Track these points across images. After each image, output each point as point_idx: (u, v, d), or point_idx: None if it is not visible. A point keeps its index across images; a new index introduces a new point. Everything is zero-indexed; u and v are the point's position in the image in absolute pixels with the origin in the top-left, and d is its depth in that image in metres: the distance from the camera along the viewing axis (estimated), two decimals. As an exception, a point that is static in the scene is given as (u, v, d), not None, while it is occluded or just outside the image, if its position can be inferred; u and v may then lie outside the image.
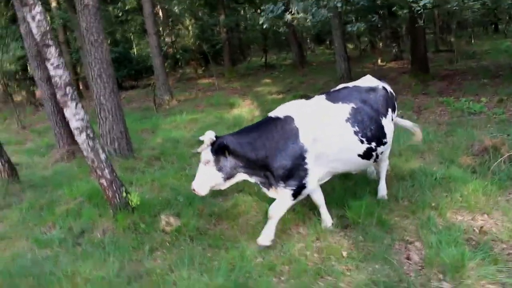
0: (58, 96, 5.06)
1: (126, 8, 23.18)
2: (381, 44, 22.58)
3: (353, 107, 4.64)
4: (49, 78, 8.64)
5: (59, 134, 9.37)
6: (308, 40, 29.58)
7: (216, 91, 15.97)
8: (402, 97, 11.71)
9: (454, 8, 9.84)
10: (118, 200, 5.35)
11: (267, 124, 4.52)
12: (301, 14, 11.05)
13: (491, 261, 3.80)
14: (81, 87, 20.69)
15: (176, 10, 25.61)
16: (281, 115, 4.49)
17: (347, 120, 4.55)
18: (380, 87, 5.06)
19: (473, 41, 23.22)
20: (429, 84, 12.93)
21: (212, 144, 4.29)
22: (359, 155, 4.64)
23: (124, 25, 23.74)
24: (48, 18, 19.21)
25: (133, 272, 4.30)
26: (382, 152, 4.90)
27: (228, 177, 4.41)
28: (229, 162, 4.33)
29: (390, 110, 5.01)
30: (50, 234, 5.44)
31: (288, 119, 4.42)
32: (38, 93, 19.72)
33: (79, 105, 5.10)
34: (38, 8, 4.77)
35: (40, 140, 11.92)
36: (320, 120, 4.48)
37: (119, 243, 4.84)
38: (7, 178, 7.72)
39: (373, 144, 4.68)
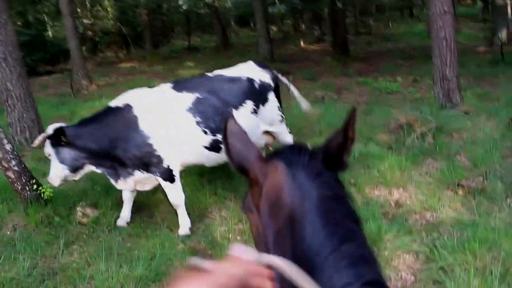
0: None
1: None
2: (304, 26, 22.86)
3: (197, 97, 4.45)
4: None
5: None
6: (232, 22, 29.38)
7: (138, 75, 15.45)
8: (324, 79, 11.98)
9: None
10: (29, 193, 4.99)
11: (107, 114, 4.44)
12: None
13: (406, 232, 3.98)
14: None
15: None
16: (120, 104, 4.42)
17: (188, 110, 4.39)
18: (244, 78, 4.78)
19: (390, 24, 24.19)
20: (349, 65, 13.33)
21: (51, 136, 4.24)
22: (205, 147, 4.47)
23: (36, 5, 22.25)
24: None
25: (46, 269, 4.04)
26: None
27: (74, 168, 4.37)
28: (69, 154, 4.28)
29: (250, 102, 4.69)
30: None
31: (127, 108, 4.35)
32: None
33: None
34: None
35: None
36: (160, 109, 4.39)
37: (31, 240, 4.51)
38: None
39: (219, 136, 4.44)
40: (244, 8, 17.89)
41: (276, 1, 13.35)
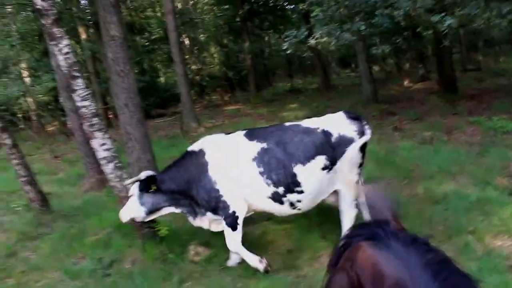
0: (84, 126, 5.13)
1: (153, 37, 23.71)
2: (407, 65, 22.35)
3: (263, 147, 4.43)
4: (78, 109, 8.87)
5: (89, 163, 9.50)
6: (333, 64, 29.57)
7: (243, 118, 16.02)
8: (431, 119, 11.49)
9: (480, 26, 9.68)
10: (146, 230, 5.33)
11: (185, 158, 4.75)
12: (325, 39, 11.05)
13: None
14: (111, 116, 21.06)
15: (202, 38, 26.10)
16: (196, 149, 4.69)
17: (253, 159, 4.41)
18: (319, 130, 4.51)
19: (501, 58, 22.81)
20: (458, 104, 12.68)
21: (141, 181, 4.65)
22: (268, 198, 4.42)
23: (151, 54, 24.24)
24: (78, 49, 19.86)
25: (162, 304, 4.25)
26: (299, 201, 4.43)
27: (151, 211, 4.73)
28: (151, 198, 4.66)
29: (321, 157, 4.39)
30: (80, 265, 5.47)
31: (201, 153, 4.60)
32: (69, 123, 20.16)
33: (106, 135, 5.15)
34: (65, 42, 4.88)
35: (71, 169, 12.09)
36: (229, 156, 4.50)
37: (148, 274, 4.81)
38: (39, 207, 7.84)
39: (281, 190, 4.37)
40: (346, 50, 17.95)
41: (378, 41, 13.26)
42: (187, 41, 24.59)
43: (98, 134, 5.02)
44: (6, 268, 5.71)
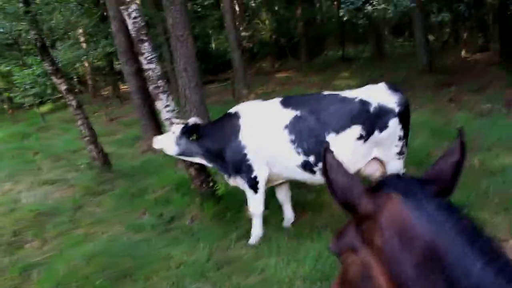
0: (150, 88, 5.37)
1: (205, 3, 23.76)
2: (465, 34, 21.42)
3: (296, 115, 4.41)
4: (137, 72, 9.14)
5: (145, 125, 9.87)
6: (386, 32, 28.67)
7: (294, 85, 15.98)
8: (491, 91, 11.10)
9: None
10: (205, 190, 5.58)
11: (224, 118, 4.89)
12: (382, 5, 10.79)
13: None
14: (162, 82, 21.52)
15: (253, 4, 25.94)
16: (233, 112, 4.80)
17: (285, 127, 4.42)
18: (356, 100, 4.36)
19: None
20: (521, 76, 12.14)
21: (185, 125, 4.83)
22: (298, 166, 4.46)
23: (203, 20, 24.34)
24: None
25: (222, 258, 4.51)
26: None
27: (182, 154, 4.94)
28: (186, 144, 4.82)
29: (357, 127, 4.30)
30: (142, 219, 5.83)
31: (236, 116, 4.71)
32: (122, 87, 20.80)
33: (170, 97, 5.37)
34: (134, 6, 5.08)
35: (128, 131, 12.56)
36: (261, 122, 4.58)
37: (207, 231, 5.08)
38: (101, 166, 8.30)
39: (311, 159, 4.37)
40: (401, 18, 17.35)
41: (437, 9, 12.80)
42: (237, 8, 24.50)
43: (162, 96, 5.25)
44: (75, 220, 6.16)
